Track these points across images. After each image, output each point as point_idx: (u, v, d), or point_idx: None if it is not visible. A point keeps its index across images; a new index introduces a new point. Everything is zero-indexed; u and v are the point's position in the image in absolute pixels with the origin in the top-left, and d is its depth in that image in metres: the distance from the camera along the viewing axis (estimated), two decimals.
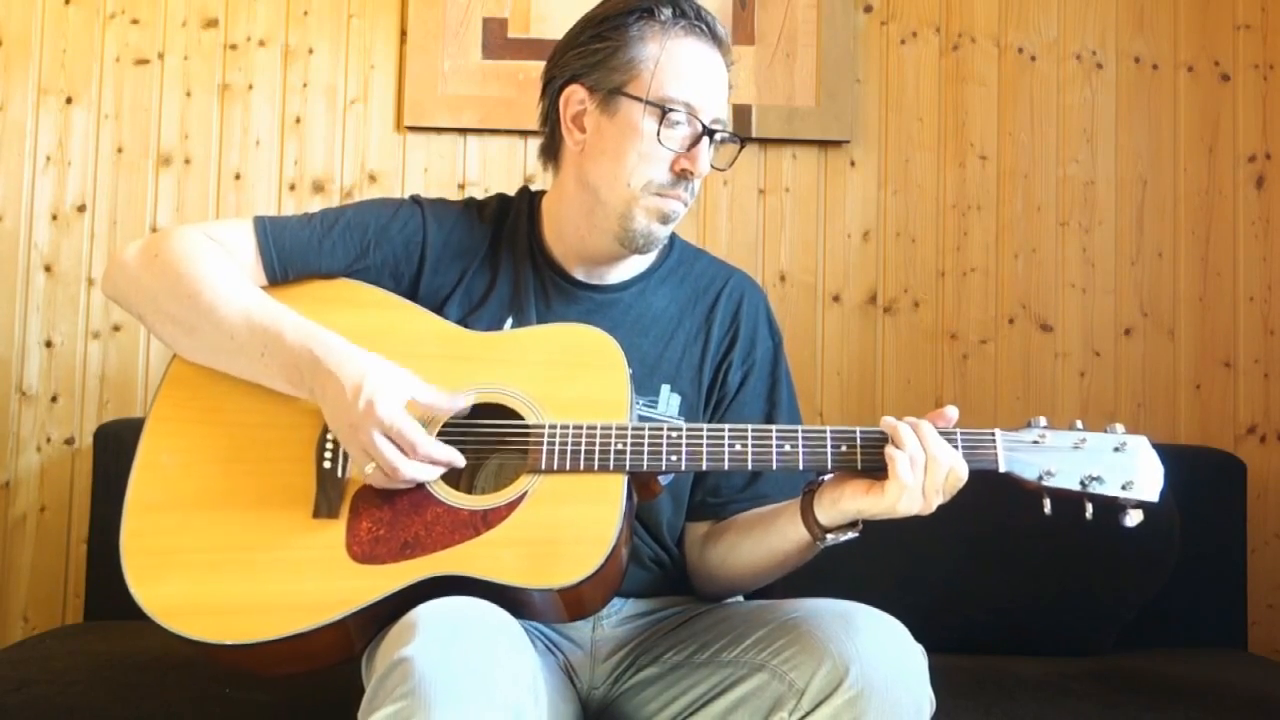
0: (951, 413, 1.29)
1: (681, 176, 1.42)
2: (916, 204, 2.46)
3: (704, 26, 1.44)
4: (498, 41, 2.42)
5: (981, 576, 2.04)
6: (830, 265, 2.45)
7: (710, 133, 1.43)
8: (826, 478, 1.34)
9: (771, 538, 1.40)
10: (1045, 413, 2.36)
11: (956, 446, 1.27)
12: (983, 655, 1.93)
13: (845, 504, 1.29)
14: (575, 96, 1.46)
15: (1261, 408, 2.44)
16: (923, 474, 1.24)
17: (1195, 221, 2.47)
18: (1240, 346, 2.45)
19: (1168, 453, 1.28)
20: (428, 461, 1.29)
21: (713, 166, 1.48)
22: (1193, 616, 2.16)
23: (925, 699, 1.20)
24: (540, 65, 1.53)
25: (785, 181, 2.45)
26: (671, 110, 1.40)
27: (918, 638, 1.23)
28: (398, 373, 1.31)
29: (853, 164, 2.46)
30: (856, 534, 1.33)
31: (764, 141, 2.43)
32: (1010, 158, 2.47)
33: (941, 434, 1.27)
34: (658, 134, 1.40)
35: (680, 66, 1.41)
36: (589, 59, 1.44)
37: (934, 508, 1.26)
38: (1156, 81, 2.48)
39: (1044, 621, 2.06)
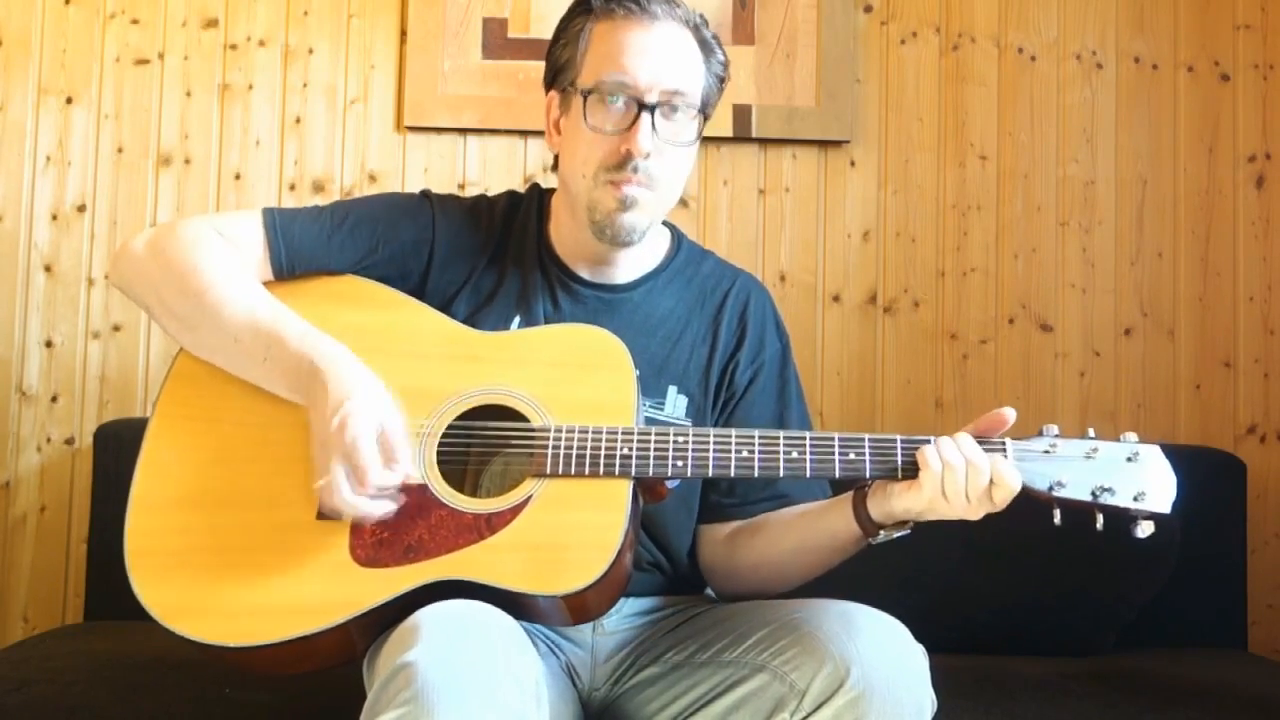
0: (1009, 414, 1.29)
1: (627, 158, 1.41)
2: (916, 204, 2.46)
3: (632, 3, 1.43)
4: (498, 41, 2.42)
5: (981, 576, 2.04)
6: (830, 265, 2.45)
7: (648, 108, 1.40)
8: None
9: (818, 536, 1.40)
10: (1045, 412, 2.38)
11: None
12: (983, 655, 1.93)
13: (894, 502, 1.30)
14: (553, 104, 1.50)
15: (1261, 408, 2.44)
16: (960, 477, 1.23)
17: (1195, 221, 2.47)
18: (1240, 346, 2.45)
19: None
20: (376, 493, 1.26)
21: (685, 143, 1.44)
22: (1193, 616, 2.16)
23: (926, 699, 1.20)
24: (540, 65, 1.55)
25: (785, 181, 2.45)
26: (592, 93, 1.41)
27: (918, 638, 1.23)
28: (379, 402, 1.28)
29: (853, 164, 2.46)
30: (908, 531, 1.34)
31: (764, 141, 2.43)
32: (1010, 158, 2.47)
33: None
34: (585, 118, 1.41)
35: (606, 48, 1.42)
36: (551, 65, 1.50)
37: (980, 515, 1.26)
38: (1156, 81, 2.48)
39: (1044, 621, 2.06)
